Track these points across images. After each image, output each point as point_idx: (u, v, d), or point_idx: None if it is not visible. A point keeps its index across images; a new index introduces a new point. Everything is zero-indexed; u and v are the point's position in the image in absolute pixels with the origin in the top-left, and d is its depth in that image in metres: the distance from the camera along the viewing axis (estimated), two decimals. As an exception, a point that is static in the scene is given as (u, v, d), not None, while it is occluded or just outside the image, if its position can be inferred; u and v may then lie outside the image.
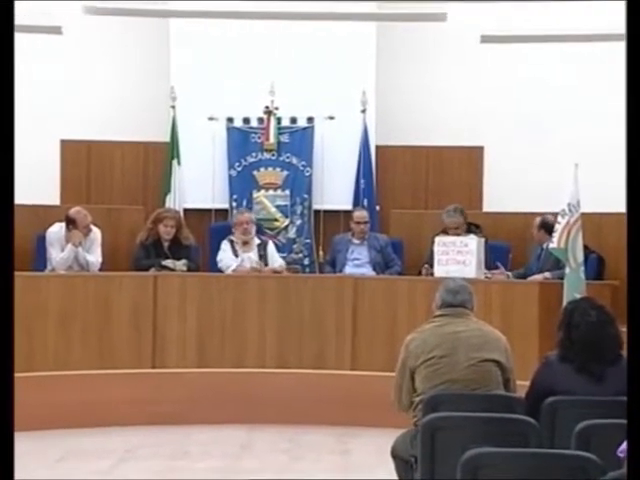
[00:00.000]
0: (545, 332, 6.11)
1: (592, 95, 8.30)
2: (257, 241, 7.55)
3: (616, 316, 4.09)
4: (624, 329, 4.00)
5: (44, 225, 7.49)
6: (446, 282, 4.30)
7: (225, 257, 7.41)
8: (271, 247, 7.61)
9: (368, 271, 7.56)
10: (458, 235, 7.22)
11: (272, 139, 8.30)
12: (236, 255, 7.42)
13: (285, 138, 8.38)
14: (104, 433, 6.38)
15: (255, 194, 8.36)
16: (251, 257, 7.40)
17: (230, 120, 8.37)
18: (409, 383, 4.11)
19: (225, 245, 7.46)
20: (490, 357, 4.07)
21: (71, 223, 7.31)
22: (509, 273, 7.16)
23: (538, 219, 7.39)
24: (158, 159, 8.42)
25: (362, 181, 8.26)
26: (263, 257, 7.46)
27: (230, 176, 8.35)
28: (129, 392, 6.59)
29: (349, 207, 8.19)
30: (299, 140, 8.38)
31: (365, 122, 8.29)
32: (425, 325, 4.21)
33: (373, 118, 8.38)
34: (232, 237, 7.51)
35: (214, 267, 7.59)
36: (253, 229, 7.56)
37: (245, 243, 7.46)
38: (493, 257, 7.23)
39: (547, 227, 7.10)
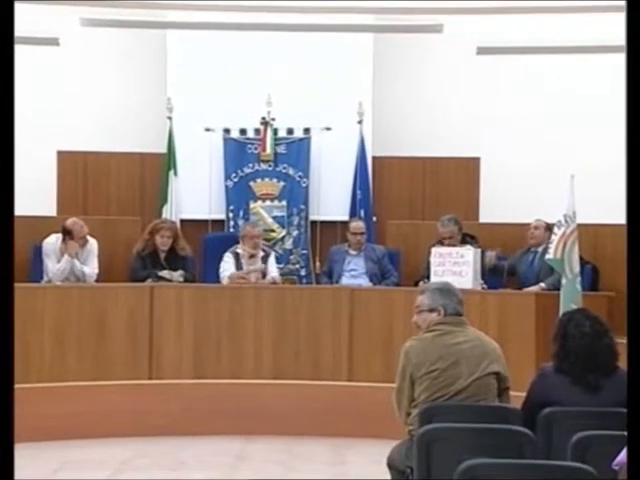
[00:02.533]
0: (541, 343, 6.11)
1: (589, 106, 8.32)
2: (261, 253, 7.54)
3: (611, 327, 4.09)
4: (619, 340, 4.01)
5: (40, 236, 7.48)
6: (450, 289, 4.23)
7: (226, 269, 7.38)
8: (272, 259, 7.59)
9: (365, 282, 7.55)
10: (452, 245, 7.23)
11: (269, 150, 8.31)
12: (240, 268, 7.39)
13: (282, 149, 8.39)
14: (100, 444, 6.36)
15: (252, 205, 8.36)
16: (256, 270, 7.39)
17: (227, 131, 8.38)
18: (409, 391, 4.10)
19: (228, 257, 7.40)
20: (491, 370, 4.07)
21: (67, 234, 7.30)
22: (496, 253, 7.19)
23: (542, 222, 7.37)
24: (155, 170, 8.42)
25: (359, 192, 8.27)
26: (265, 269, 7.46)
27: (227, 187, 8.36)
28: (125, 403, 6.58)
29: (346, 218, 8.19)
30: (296, 151, 8.39)
31: (362, 133, 8.31)
32: (425, 333, 4.18)
33: (370, 129, 8.39)
34: (238, 249, 7.47)
35: (210, 278, 7.58)
36: (261, 243, 7.56)
37: (252, 256, 7.44)
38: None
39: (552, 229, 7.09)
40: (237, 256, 7.42)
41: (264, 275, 7.42)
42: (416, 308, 4.26)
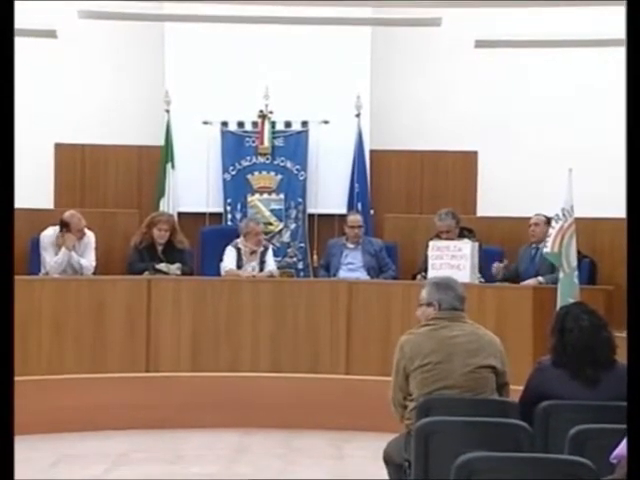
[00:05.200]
0: (539, 337, 6.11)
1: (586, 100, 8.32)
2: (261, 248, 7.53)
3: (609, 321, 4.09)
4: (617, 333, 4.02)
5: (38, 229, 7.48)
6: (449, 284, 4.22)
7: (227, 263, 7.36)
8: (270, 252, 7.59)
9: (362, 275, 7.55)
10: (450, 239, 7.23)
11: (266, 143, 8.30)
12: (241, 264, 7.37)
13: (279, 142, 8.39)
14: (98, 437, 6.37)
15: (249, 198, 8.36)
16: (255, 267, 7.38)
17: (224, 124, 8.37)
18: (403, 383, 4.11)
19: (230, 252, 7.39)
20: (486, 363, 4.06)
21: (65, 227, 7.30)
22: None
23: (541, 217, 7.38)
24: (152, 163, 8.41)
25: (356, 185, 8.26)
26: (264, 263, 7.45)
27: (224, 180, 8.35)
28: (123, 396, 6.58)
29: (343, 211, 8.19)
30: (293, 144, 8.39)
31: (359, 126, 8.30)
32: (420, 327, 4.18)
33: (367, 122, 8.38)
34: (239, 244, 7.45)
35: (207, 271, 7.58)
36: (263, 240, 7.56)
37: (253, 252, 7.43)
38: (487, 261, 7.24)
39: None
40: (239, 251, 7.40)
41: (262, 268, 7.43)
42: (418, 302, 4.29)
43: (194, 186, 8.34)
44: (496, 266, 7.20)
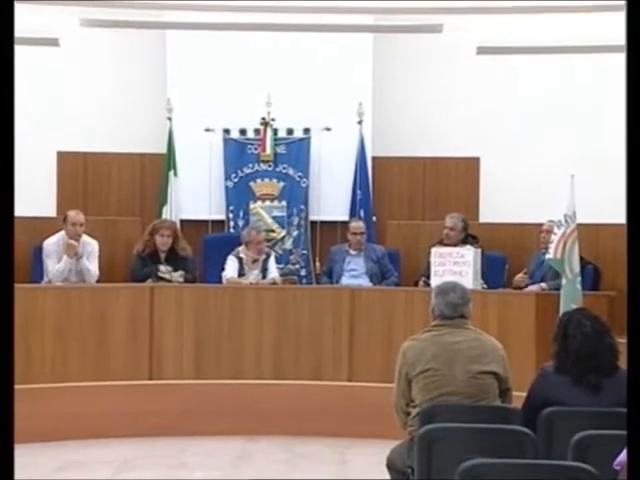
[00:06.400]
0: (542, 343, 6.11)
1: (588, 106, 8.33)
2: (263, 256, 7.53)
3: (612, 327, 4.09)
4: (620, 340, 4.01)
5: (41, 237, 7.49)
6: (445, 290, 4.23)
7: (228, 272, 7.36)
8: (272, 259, 7.58)
9: (365, 282, 7.56)
10: (449, 239, 7.26)
11: (269, 150, 8.31)
12: (243, 272, 7.38)
13: (282, 149, 8.40)
14: (101, 445, 6.37)
15: (252, 205, 8.37)
16: (257, 275, 7.39)
17: (227, 131, 8.38)
18: (405, 389, 4.11)
19: (232, 261, 7.38)
20: (488, 369, 4.06)
21: (64, 219, 7.33)
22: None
23: (554, 223, 7.35)
24: (155, 170, 8.42)
25: (359, 192, 8.27)
26: (266, 270, 7.45)
27: (227, 187, 8.36)
28: (126, 404, 6.58)
29: (346, 218, 8.20)
30: (296, 151, 8.40)
31: (362, 133, 8.31)
32: (423, 333, 4.19)
33: (370, 129, 8.39)
34: (241, 254, 7.45)
35: (210, 278, 7.58)
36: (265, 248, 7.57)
37: (255, 261, 7.43)
38: (490, 268, 7.24)
39: None
40: (240, 260, 7.40)
41: (264, 276, 7.43)
42: None
43: (196, 193, 8.35)
44: (519, 278, 7.19)
